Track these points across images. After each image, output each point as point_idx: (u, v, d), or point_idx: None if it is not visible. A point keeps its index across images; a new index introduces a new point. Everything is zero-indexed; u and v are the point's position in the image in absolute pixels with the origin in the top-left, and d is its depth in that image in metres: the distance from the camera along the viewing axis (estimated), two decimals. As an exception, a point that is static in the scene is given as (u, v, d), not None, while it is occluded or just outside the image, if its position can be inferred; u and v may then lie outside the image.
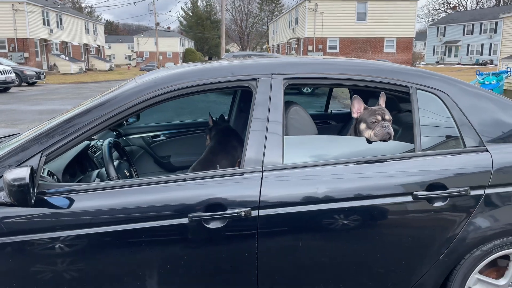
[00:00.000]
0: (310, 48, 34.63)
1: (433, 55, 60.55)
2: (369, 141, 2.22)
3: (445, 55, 58.63)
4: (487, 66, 44.06)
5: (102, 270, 1.89)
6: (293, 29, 39.24)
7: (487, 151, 2.13)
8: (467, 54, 55.21)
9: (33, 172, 1.75)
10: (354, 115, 2.36)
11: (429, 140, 2.15)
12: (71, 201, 1.86)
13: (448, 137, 2.18)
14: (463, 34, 55.92)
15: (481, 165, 2.09)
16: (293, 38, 38.65)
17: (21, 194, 1.69)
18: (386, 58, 33.36)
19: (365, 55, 34.87)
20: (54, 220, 1.83)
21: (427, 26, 65.86)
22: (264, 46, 56.36)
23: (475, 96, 2.23)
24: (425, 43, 65.15)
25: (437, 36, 60.13)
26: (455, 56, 57.00)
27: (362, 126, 2.29)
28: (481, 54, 53.41)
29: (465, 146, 2.14)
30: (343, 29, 34.95)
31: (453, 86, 2.22)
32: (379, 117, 2.25)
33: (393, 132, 2.22)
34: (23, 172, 1.69)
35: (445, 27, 59.04)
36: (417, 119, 2.14)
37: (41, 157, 1.88)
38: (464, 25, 55.76)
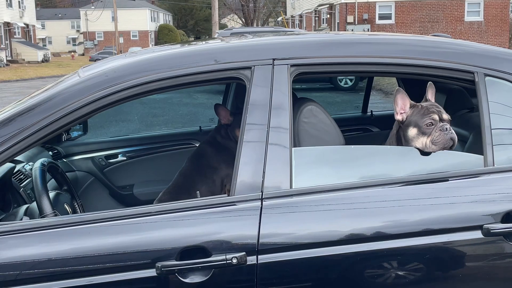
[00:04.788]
0: (350, 19, 29.95)
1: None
2: (423, 152, 2.01)
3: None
4: None
5: None
6: (324, -10, 34.15)
7: None
8: None
9: None
10: (398, 117, 2.13)
11: (506, 150, 1.96)
12: None
13: None
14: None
15: None
16: (324, 4, 33.73)
17: None
18: (469, 29, 30.63)
19: (436, 27, 29.78)
20: None
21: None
22: (279, 19, 49.07)
23: None
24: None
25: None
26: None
27: (412, 131, 2.08)
28: None
29: None
30: (401, -12, 30.28)
31: None
32: (436, 117, 2.03)
33: (456, 137, 2.05)
34: None
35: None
36: (487, 120, 1.93)
37: None
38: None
